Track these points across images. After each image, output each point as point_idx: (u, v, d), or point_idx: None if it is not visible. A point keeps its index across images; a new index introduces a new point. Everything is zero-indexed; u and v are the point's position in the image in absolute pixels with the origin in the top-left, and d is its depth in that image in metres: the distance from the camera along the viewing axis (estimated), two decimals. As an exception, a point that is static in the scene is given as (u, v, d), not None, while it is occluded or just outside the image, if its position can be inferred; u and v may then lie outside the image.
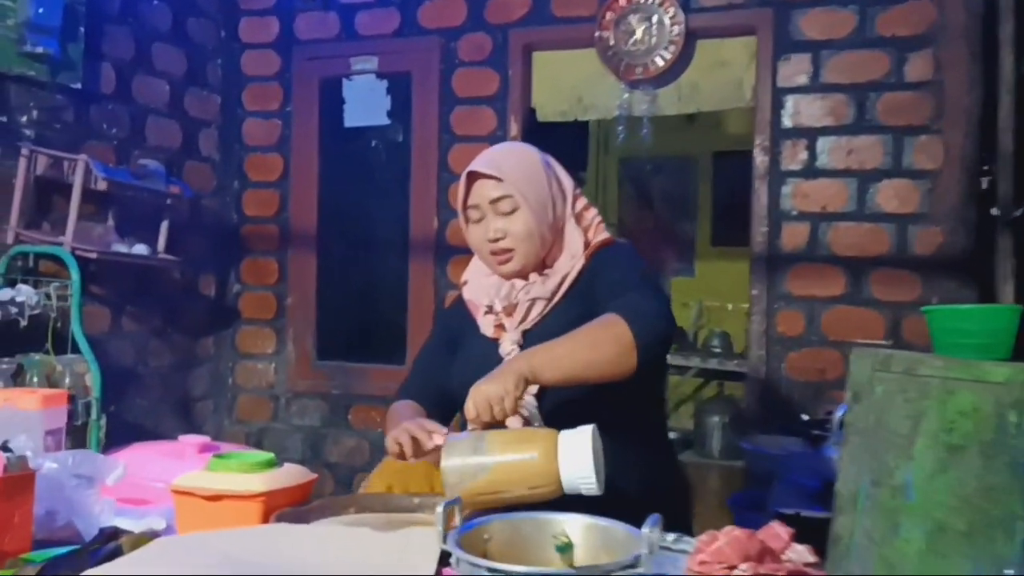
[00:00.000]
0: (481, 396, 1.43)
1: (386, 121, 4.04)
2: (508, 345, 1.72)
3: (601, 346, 1.51)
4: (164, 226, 3.59)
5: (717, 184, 6.65)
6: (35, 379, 2.84)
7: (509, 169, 1.72)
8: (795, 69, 3.41)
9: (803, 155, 3.41)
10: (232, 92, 4.18)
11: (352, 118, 4.09)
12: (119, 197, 3.45)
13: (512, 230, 1.72)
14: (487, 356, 1.72)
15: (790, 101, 3.43)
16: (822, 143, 3.39)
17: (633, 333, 1.50)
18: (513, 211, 1.71)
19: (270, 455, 1.60)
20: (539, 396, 1.60)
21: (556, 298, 1.74)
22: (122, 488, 1.73)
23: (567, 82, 3.72)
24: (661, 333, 1.56)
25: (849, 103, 3.36)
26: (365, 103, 4.05)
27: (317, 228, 4.10)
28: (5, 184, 3.09)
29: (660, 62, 3.54)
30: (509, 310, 1.74)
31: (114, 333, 3.59)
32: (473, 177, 1.75)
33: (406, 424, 1.58)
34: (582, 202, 1.82)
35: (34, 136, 3.21)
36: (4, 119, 3.12)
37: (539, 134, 3.71)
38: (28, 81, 3.16)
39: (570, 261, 1.75)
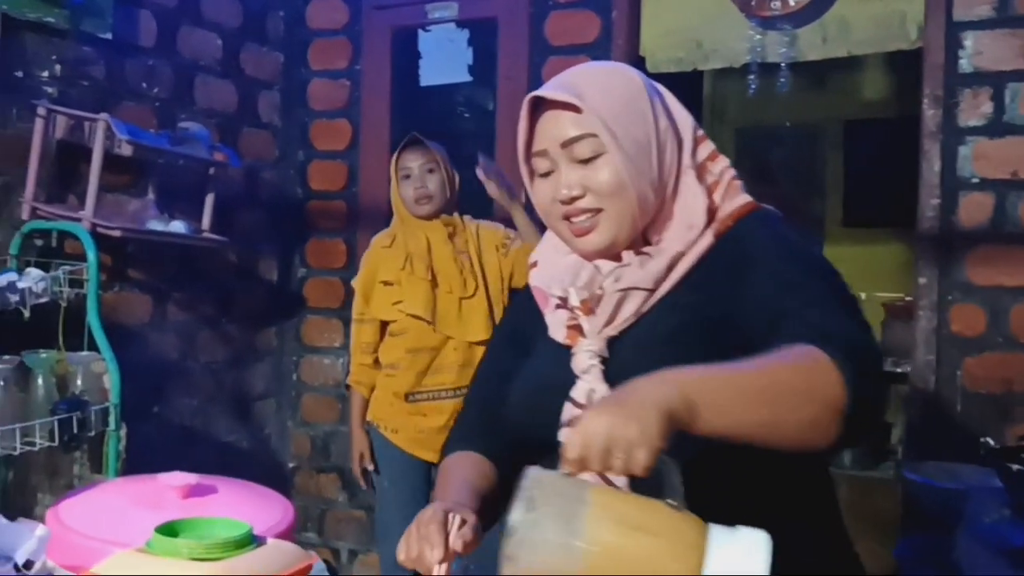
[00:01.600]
0: (598, 433, 0.88)
1: (467, 77, 3.48)
2: (585, 358, 1.16)
3: (798, 400, 0.96)
4: (209, 200, 3.11)
5: (849, 156, 5.93)
6: (41, 380, 2.38)
7: (593, 95, 1.16)
8: (977, -2, 2.70)
9: (987, 107, 2.70)
10: (295, 48, 3.68)
11: (429, 75, 3.55)
12: (158, 166, 2.98)
13: (595, 183, 1.17)
14: (553, 371, 1.20)
15: (970, 39, 2.72)
16: (1012, 91, 2.67)
17: (846, 388, 0.96)
18: (596, 157, 1.17)
19: (245, 527, 1.05)
20: None
21: (662, 290, 1.16)
22: (62, 550, 1.21)
23: (684, 23, 3.09)
24: (881, 388, 1.05)
25: (1050, 39, 2.62)
26: (444, 57, 3.50)
27: (390, 204, 3.54)
28: (20, 149, 2.64)
29: (801, -6, 2.87)
30: (590, 304, 1.19)
31: (156, 323, 3.14)
32: (539, 108, 1.20)
33: (418, 522, 1.09)
34: (707, 148, 1.24)
35: (56, 94, 2.75)
36: (20, 74, 2.66)
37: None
38: (46, 29, 2.70)
39: (685, 234, 1.18)
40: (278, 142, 3.67)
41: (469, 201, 2.94)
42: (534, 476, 0.90)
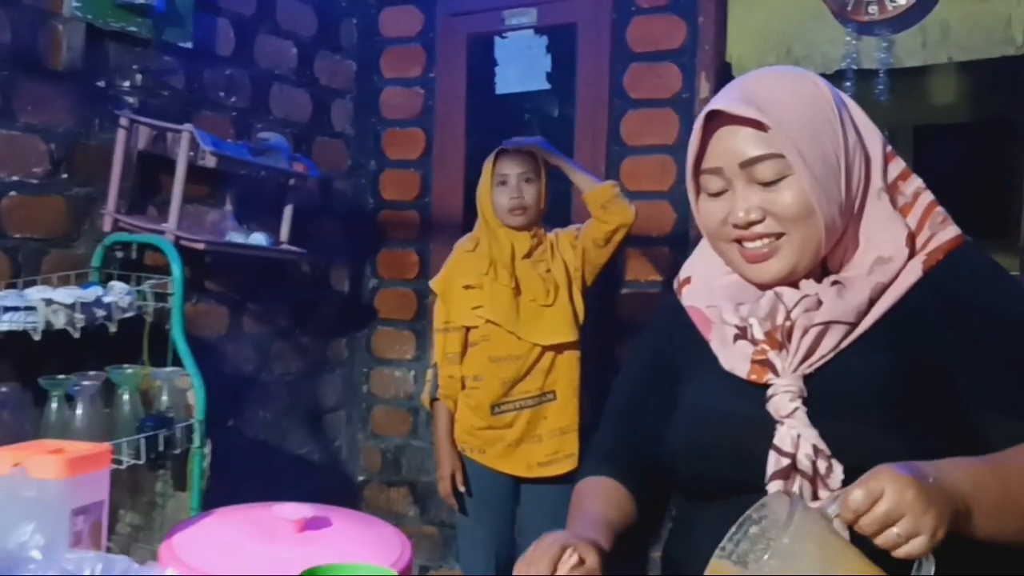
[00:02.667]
0: (892, 501, 0.83)
1: (546, 86, 3.39)
2: (785, 400, 1.04)
3: None
4: (287, 212, 3.06)
5: (919, 165, 5.75)
6: (126, 396, 2.33)
7: (778, 110, 1.05)
8: (1093, -1, 2.57)
9: (1102, 114, 2.56)
10: (368, 56, 3.63)
11: (505, 83, 3.46)
12: (236, 177, 2.94)
13: (778, 208, 1.07)
14: (732, 408, 1.10)
15: (1084, 43, 2.58)
16: None
17: None
18: (779, 179, 1.07)
19: (390, 573, 0.99)
20: None
21: (864, 325, 1.06)
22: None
23: (774, 28, 2.98)
24: None
25: None
26: (521, 65, 3.40)
27: (464, 214, 3.49)
28: (103, 160, 2.61)
29: (901, -1, 2.75)
30: (776, 337, 1.08)
31: (232, 335, 3.10)
32: (716, 122, 1.09)
33: (536, 546, 1.04)
34: (897, 166, 1.13)
35: (137, 104, 2.72)
36: (102, 84, 2.63)
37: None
38: (129, 38, 2.67)
39: (883, 266, 1.07)
40: (350, 151, 3.62)
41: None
42: (800, 519, 0.84)
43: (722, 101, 1.08)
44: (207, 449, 2.46)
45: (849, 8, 2.83)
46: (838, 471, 1.00)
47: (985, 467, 0.93)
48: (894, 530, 0.83)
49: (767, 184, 1.07)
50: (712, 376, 1.14)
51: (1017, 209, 2.73)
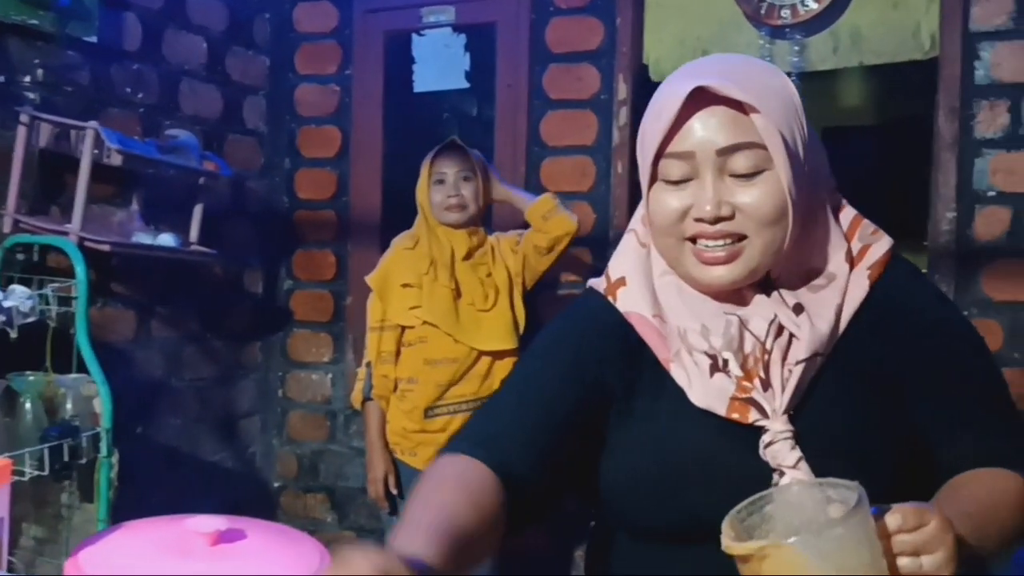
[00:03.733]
0: (924, 544, 0.82)
1: (465, 85, 3.37)
2: (787, 450, 0.96)
3: (1014, 531, 0.98)
4: (197, 211, 2.97)
5: (830, 167, 5.89)
6: (28, 404, 2.23)
7: (763, 97, 0.96)
8: (994, 8, 2.66)
9: (1004, 119, 2.66)
10: (282, 52, 3.55)
11: (423, 82, 3.43)
12: (143, 176, 2.83)
13: (753, 206, 0.96)
14: (716, 453, 1.00)
15: (987, 50, 2.68)
16: (1030, 104, 2.63)
17: None
18: (756, 173, 0.96)
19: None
20: None
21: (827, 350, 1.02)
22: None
23: (690, 31, 3.01)
24: None
25: (1067, 50, 2.59)
26: (439, 63, 3.38)
27: (381, 214, 3.46)
28: (2, 159, 2.49)
29: (812, 3, 2.81)
30: (758, 371, 0.98)
31: (141, 340, 2.99)
32: (697, 102, 0.96)
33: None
34: (832, 177, 1.09)
35: (39, 100, 2.59)
36: (1, 79, 2.51)
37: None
38: (31, 32, 2.55)
39: (832, 283, 1.03)
40: (264, 149, 3.53)
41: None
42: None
43: (704, 78, 0.95)
44: (115, 459, 2.37)
45: (763, 12, 2.87)
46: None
47: (983, 515, 0.94)
48: (920, 560, 0.82)
49: (740, 177, 0.96)
50: (676, 409, 1.02)
51: (924, 209, 2.81)
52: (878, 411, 1.00)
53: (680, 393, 1.01)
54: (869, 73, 4.93)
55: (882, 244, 1.06)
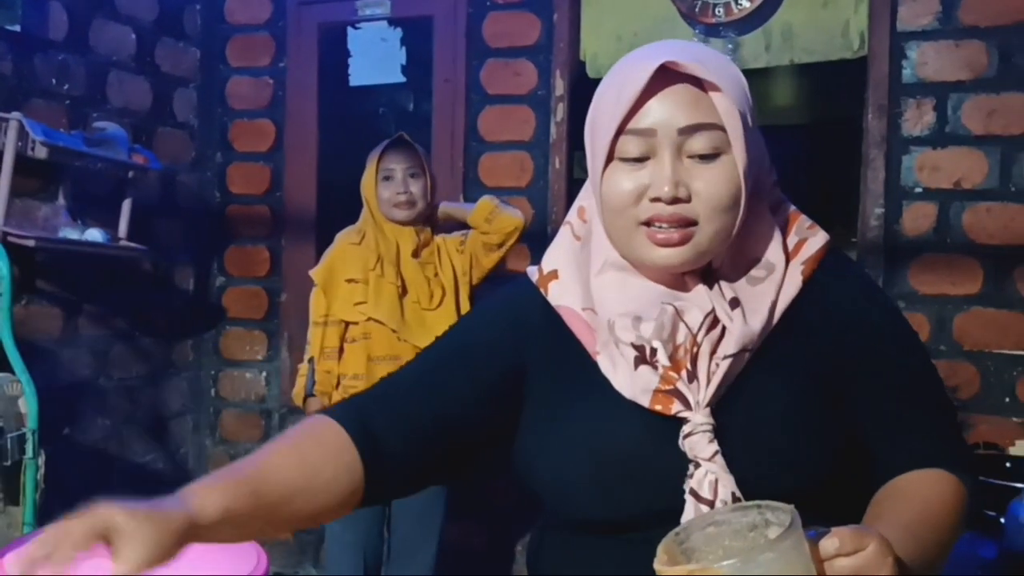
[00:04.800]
0: (859, 568, 0.80)
1: (401, 79, 3.34)
2: (704, 443, 0.95)
3: (952, 536, 0.98)
4: (126, 206, 2.90)
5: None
6: (-52, 406, 2.15)
7: (724, 75, 0.95)
8: (921, 8, 2.72)
9: (930, 117, 2.72)
10: (213, 44, 3.48)
11: (359, 75, 3.39)
12: (70, 169, 2.75)
13: (709, 190, 0.95)
14: (627, 441, 0.99)
15: (914, 49, 2.74)
16: (955, 102, 2.70)
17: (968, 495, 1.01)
18: (714, 155, 0.95)
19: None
20: None
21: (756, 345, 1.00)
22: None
23: (627, 27, 3.02)
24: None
25: (990, 51, 2.66)
26: (375, 56, 3.35)
27: (316, 209, 3.42)
28: (-83, 151, 2.40)
29: (745, 2, 2.85)
30: (686, 362, 0.97)
31: (67, 339, 2.90)
32: (659, 81, 0.94)
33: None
34: (772, 172, 1.07)
35: (-43, 90, 2.51)
36: (-84, 67, 2.42)
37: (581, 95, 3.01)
38: (-54, 18, 2.46)
39: (768, 275, 1.01)
40: (195, 143, 3.46)
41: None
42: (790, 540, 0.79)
43: (670, 55, 0.94)
44: (41, 460, 2.30)
45: (697, 10, 2.90)
46: (728, 484, 0.94)
47: (920, 525, 0.93)
48: None
49: (698, 159, 0.95)
50: (603, 402, 1.01)
51: (854, 206, 2.87)
52: (805, 409, 0.99)
53: (608, 386, 1.00)
54: (801, 72, 5.03)
55: (818, 239, 1.05)
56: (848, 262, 1.10)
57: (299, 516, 0.95)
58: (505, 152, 3.14)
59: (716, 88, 0.94)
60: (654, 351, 0.97)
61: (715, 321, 0.98)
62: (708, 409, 0.96)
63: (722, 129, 0.95)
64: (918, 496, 0.97)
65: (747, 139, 0.95)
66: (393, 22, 3.35)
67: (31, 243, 2.46)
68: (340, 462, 0.97)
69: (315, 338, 2.58)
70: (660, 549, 0.81)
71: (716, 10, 2.89)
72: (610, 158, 0.98)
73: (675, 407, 0.96)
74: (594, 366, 1.02)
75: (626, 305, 1.01)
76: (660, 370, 0.97)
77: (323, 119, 3.40)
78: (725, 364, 0.96)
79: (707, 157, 0.95)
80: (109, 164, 2.78)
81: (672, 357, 0.97)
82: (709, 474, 0.93)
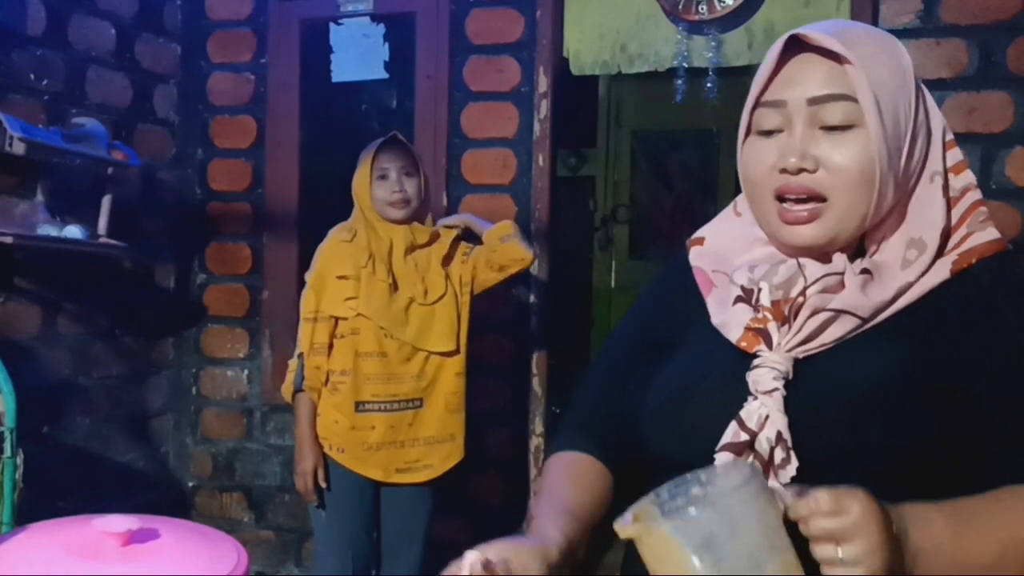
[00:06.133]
0: (845, 530, 0.79)
1: (384, 75, 3.32)
2: (768, 377, 0.95)
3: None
4: (106, 203, 2.87)
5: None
6: (-76, 406, 2.12)
7: (864, 53, 0.96)
8: (902, 7, 2.74)
9: (911, 115, 2.72)
10: (194, 40, 3.45)
11: (341, 72, 3.37)
12: (49, 166, 2.72)
13: (836, 161, 0.96)
14: (713, 373, 1.01)
15: (895, 47, 2.74)
16: (936, 100, 2.68)
17: None
18: (846, 127, 0.96)
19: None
20: None
21: (876, 320, 0.97)
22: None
23: (610, 24, 3.02)
24: None
25: (971, 49, 2.68)
26: (358, 53, 3.33)
27: (298, 206, 3.40)
28: None
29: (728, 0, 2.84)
30: (783, 310, 0.98)
31: (46, 337, 2.88)
32: (792, 50, 0.98)
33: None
34: (955, 156, 1.05)
35: (-68, 86, 2.48)
36: None
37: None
38: (-78, 12, 2.43)
39: (918, 258, 0.98)
40: (175, 139, 3.43)
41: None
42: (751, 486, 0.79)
43: (808, 28, 0.98)
44: (19, 459, 2.26)
45: (680, 8, 2.89)
46: (792, 466, 0.92)
47: (948, 528, 0.86)
48: (838, 549, 0.78)
49: (831, 130, 0.96)
50: (701, 337, 1.04)
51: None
52: (897, 394, 0.93)
53: (711, 329, 1.04)
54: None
55: (984, 235, 1.01)
56: (1016, 266, 1.02)
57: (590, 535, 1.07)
58: (488, 149, 3.14)
59: (848, 61, 0.94)
60: (760, 292, 0.99)
61: (840, 284, 0.98)
62: (791, 357, 0.96)
63: (856, 100, 0.95)
64: (992, 496, 0.90)
65: (887, 113, 0.95)
66: (376, 18, 3.34)
67: (9, 240, 2.44)
68: (608, 486, 1.12)
69: (305, 334, 2.56)
70: (637, 507, 0.82)
71: (699, 7, 2.89)
72: (749, 131, 1.01)
73: (758, 346, 0.98)
74: (706, 311, 1.06)
75: (755, 261, 1.03)
76: (759, 311, 0.98)
77: (305, 115, 3.37)
78: (820, 317, 0.96)
79: (839, 129, 0.96)
80: (88, 160, 2.75)
81: (777, 303, 0.98)
82: (762, 407, 0.94)
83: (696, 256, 1.11)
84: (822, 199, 0.97)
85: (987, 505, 0.89)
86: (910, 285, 0.97)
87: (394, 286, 2.52)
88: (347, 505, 2.56)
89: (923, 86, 1.04)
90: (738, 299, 1.01)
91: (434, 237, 2.61)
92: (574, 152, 5.72)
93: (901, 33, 2.72)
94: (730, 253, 1.08)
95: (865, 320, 0.96)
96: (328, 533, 2.58)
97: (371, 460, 2.53)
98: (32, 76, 2.79)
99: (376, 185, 2.54)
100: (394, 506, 2.60)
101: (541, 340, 3.13)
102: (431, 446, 2.56)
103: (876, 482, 0.84)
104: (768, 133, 0.99)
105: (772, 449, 0.92)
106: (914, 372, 0.94)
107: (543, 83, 3.06)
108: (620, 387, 1.14)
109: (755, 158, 1.01)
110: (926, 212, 0.99)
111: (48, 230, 2.66)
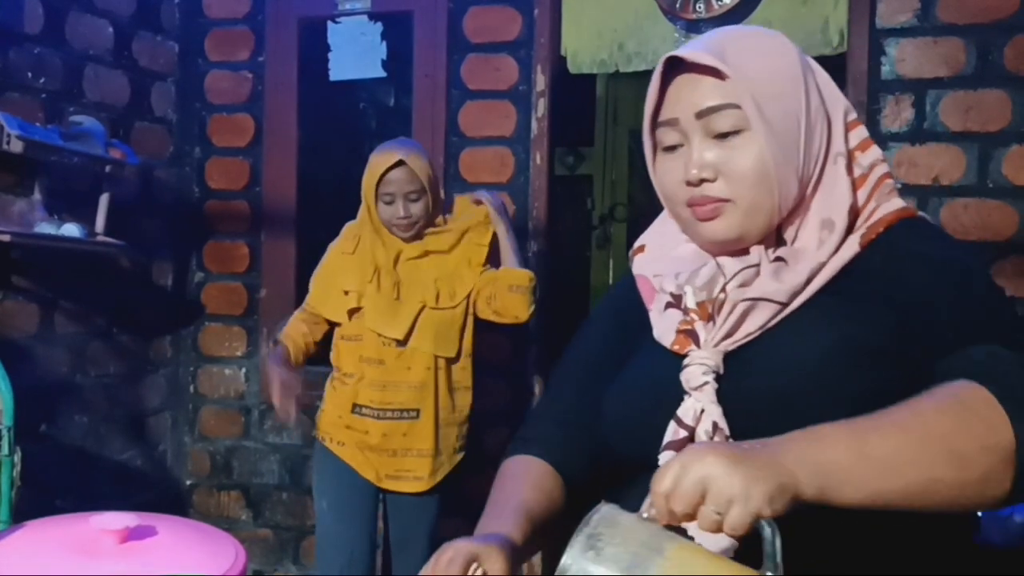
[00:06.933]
0: (697, 473, 0.78)
1: (381, 73, 3.32)
2: (697, 373, 1.00)
3: (962, 453, 0.83)
4: (103, 201, 2.87)
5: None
6: (-79, 404, 2.12)
7: (739, 59, 1.01)
8: (900, 5, 2.74)
9: (908, 114, 2.74)
10: (192, 38, 3.45)
11: (339, 70, 3.38)
12: (46, 164, 2.72)
13: (732, 167, 1.01)
14: (657, 381, 1.05)
15: (892, 46, 2.75)
16: (933, 98, 2.72)
17: (1018, 454, 0.85)
18: (736, 132, 1.01)
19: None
20: None
21: (795, 304, 1.01)
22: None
23: (607, 23, 3.02)
24: None
25: (968, 48, 2.68)
26: (355, 51, 3.33)
27: (296, 205, 3.40)
28: None
29: (726, -3, 2.85)
30: (708, 309, 1.03)
31: (43, 335, 2.88)
32: (674, 70, 1.04)
33: (436, 562, 0.97)
34: (858, 135, 1.08)
35: (-70, 83, 2.48)
36: None
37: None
38: (-81, 10, 2.43)
39: (829, 238, 1.02)
40: (173, 138, 3.43)
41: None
42: (605, 515, 0.79)
43: (683, 49, 1.03)
44: (17, 457, 2.26)
45: (678, 6, 2.90)
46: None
47: (865, 430, 0.84)
48: (708, 507, 0.77)
49: (723, 137, 1.01)
50: (648, 347, 1.09)
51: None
52: (828, 370, 0.96)
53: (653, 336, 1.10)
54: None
55: (889, 206, 1.05)
56: (924, 226, 1.07)
57: (543, 539, 1.13)
58: (486, 147, 3.14)
59: (726, 74, 0.99)
60: (685, 296, 1.04)
61: (757, 276, 1.02)
62: (719, 351, 1.00)
63: (740, 107, 0.99)
64: (906, 404, 0.88)
65: (771, 115, 0.99)
66: (373, 17, 3.34)
67: (7, 238, 2.44)
68: (562, 492, 1.16)
69: (295, 317, 2.60)
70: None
71: (697, 6, 2.89)
72: (656, 150, 1.07)
73: (689, 347, 1.02)
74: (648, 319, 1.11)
75: (680, 266, 1.08)
76: (687, 314, 1.03)
77: (303, 114, 3.38)
78: (740, 309, 1.00)
79: (730, 135, 1.01)
80: (86, 159, 2.75)
81: (702, 304, 1.02)
82: (696, 403, 0.98)
83: (639, 265, 1.17)
84: (725, 201, 1.02)
85: (902, 407, 0.87)
86: (822, 265, 1.01)
87: (398, 296, 2.47)
88: (347, 503, 2.55)
89: (817, 73, 1.08)
90: (668, 305, 1.07)
91: (454, 242, 2.53)
92: (572, 150, 5.72)
93: (899, 32, 2.73)
94: (666, 257, 1.13)
95: (784, 304, 1.00)
96: (329, 531, 2.58)
97: (366, 460, 2.52)
98: (30, 74, 2.79)
99: (381, 207, 2.47)
100: (398, 510, 2.59)
101: (539, 339, 3.13)
102: (423, 458, 2.51)
103: None
104: (671, 149, 1.05)
105: (711, 440, 0.96)
106: (840, 346, 0.97)
107: (541, 81, 3.06)
108: (577, 396, 1.19)
109: (665, 174, 1.07)
110: (833, 193, 1.03)
111: (46, 228, 2.66)
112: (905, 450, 0.83)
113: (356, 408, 2.50)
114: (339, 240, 2.59)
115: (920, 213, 1.09)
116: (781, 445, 0.82)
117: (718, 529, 0.78)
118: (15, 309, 2.76)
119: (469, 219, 2.57)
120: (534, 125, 3.08)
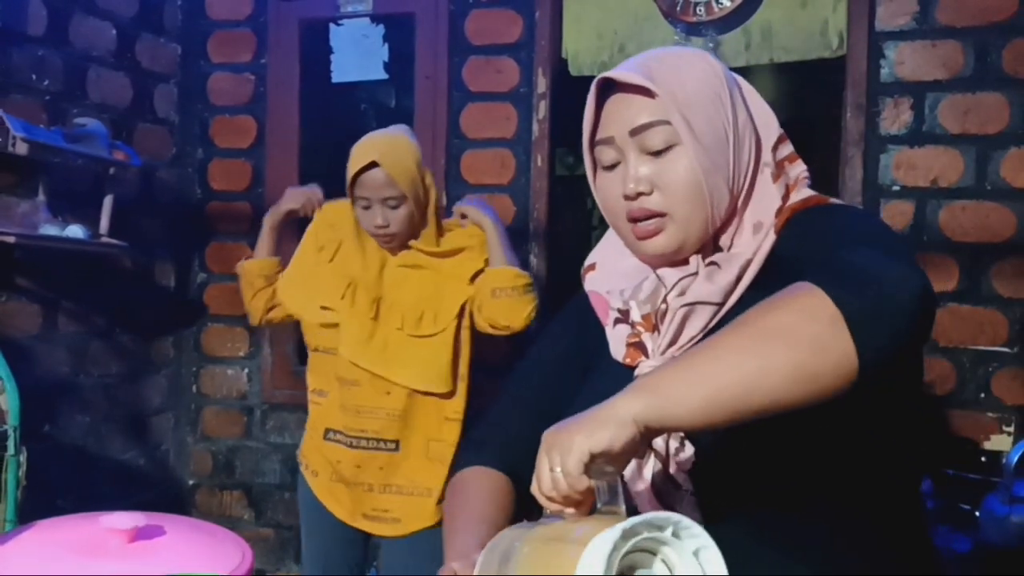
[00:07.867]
0: (544, 444, 0.88)
1: (383, 75, 3.33)
2: None
3: (780, 342, 0.84)
4: (108, 202, 2.88)
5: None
6: (-73, 404, 2.14)
7: (667, 78, 1.06)
8: (898, 8, 2.75)
9: (907, 116, 2.75)
10: (194, 40, 3.46)
11: (341, 72, 3.38)
12: (50, 165, 2.73)
13: (666, 180, 1.06)
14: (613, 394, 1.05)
15: (891, 48, 2.77)
16: (931, 101, 2.73)
17: (842, 310, 0.83)
18: (668, 148, 1.06)
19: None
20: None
21: (731, 302, 1.05)
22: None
23: (608, 26, 3.03)
24: (901, 307, 0.86)
25: (967, 51, 2.70)
26: (357, 53, 3.33)
27: (298, 206, 3.38)
28: None
29: (726, 1, 2.86)
30: (652, 320, 1.08)
31: (46, 336, 2.89)
32: (607, 91, 1.09)
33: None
34: (786, 148, 1.13)
35: (-66, 85, 2.49)
36: None
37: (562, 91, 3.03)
38: (-77, 13, 2.44)
39: (753, 238, 1.07)
40: (175, 139, 3.44)
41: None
42: (495, 538, 0.88)
43: (613, 71, 1.08)
44: (22, 457, 2.28)
45: (678, 9, 2.91)
46: (689, 451, 1.00)
47: (705, 344, 0.89)
48: (555, 472, 0.84)
49: (657, 154, 1.05)
50: (605, 363, 1.13)
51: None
52: None
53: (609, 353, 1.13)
54: (780, 71, 5.05)
55: (797, 195, 1.10)
56: (834, 207, 1.10)
57: None
58: (487, 149, 3.15)
59: (655, 92, 1.04)
60: (631, 310, 1.09)
61: (688, 282, 1.07)
62: (666, 357, 1.05)
63: (670, 123, 1.04)
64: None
65: (702, 129, 1.04)
66: (375, 19, 3.34)
67: (11, 239, 2.45)
68: (513, 499, 1.19)
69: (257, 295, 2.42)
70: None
71: (697, 9, 2.90)
72: (596, 168, 1.12)
73: (640, 359, 1.07)
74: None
75: (625, 280, 1.13)
76: (634, 327, 1.08)
77: (305, 115, 3.38)
78: (680, 314, 1.04)
79: (663, 151, 1.05)
80: (89, 160, 2.77)
81: (647, 316, 1.07)
82: None
83: (590, 283, 1.21)
84: (662, 215, 1.06)
85: (737, 322, 0.89)
86: (749, 262, 1.05)
87: (376, 315, 2.21)
88: (325, 543, 2.33)
89: (744, 88, 1.11)
90: (617, 320, 1.11)
91: (446, 254, 2.25)
92: (572, 152, 5.73)
93: (897, 35, 2.75)
94: (615, 272, 1.17)
95: (720, 304, 1.04)
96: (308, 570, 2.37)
97: (338, 495, 2.26)
98: (33, 76, 2.80)
99: (359, 211, 2.20)
100: (388, 552, 2.31)
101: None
102: (404, 497, 2.21)
103: (778, 443, 0.92)
104: (610, 168, 1.10)
105: (666, 443, 1.01)
106: None
107: (542, 83, 3.07)
108: (532, 408, 1.23)
109: (605, 191, 1.11)
110: (763, 199, 1.09)
111: (49, 229, 2.67)
112: (726, 344, 0.86)
113: (328, 433, 2.27)
114: (316, 226, 2.37)
115: (833, 200, 1.11)
116: (619, 394, 0.87)
117: (562, 485, 0.83)
118: (18, 309, 2.77)
119: (466, 240, 2.29)
120: (535, 127, 3.09)
